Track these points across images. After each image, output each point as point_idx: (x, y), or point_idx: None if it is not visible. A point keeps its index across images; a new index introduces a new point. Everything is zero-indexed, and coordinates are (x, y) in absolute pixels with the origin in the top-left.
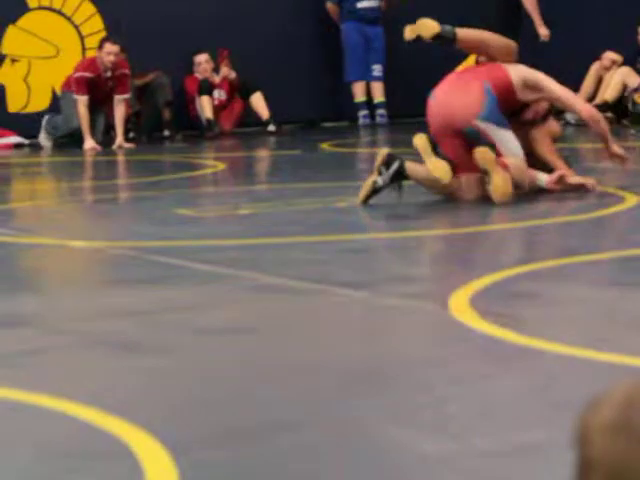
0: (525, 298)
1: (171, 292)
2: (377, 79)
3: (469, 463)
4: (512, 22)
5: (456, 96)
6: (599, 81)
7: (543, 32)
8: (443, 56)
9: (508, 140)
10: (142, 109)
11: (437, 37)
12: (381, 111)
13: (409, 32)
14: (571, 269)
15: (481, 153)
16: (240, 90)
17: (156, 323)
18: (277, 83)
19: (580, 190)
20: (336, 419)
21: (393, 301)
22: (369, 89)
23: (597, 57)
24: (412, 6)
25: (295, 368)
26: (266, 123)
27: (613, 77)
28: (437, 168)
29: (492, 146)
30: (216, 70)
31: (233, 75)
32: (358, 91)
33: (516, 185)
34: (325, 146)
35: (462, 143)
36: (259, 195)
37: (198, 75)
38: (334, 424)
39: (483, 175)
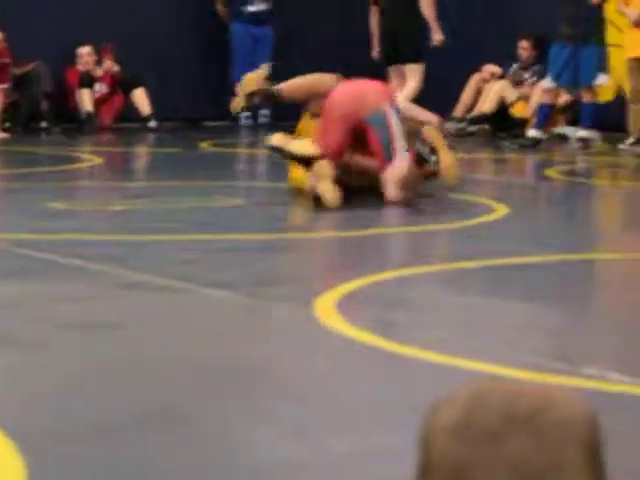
0: (390, 303)
1: (37, 286)
2: None
3: (325, 465)
4: (418, 28)
5: (369, 85)
6: (478, 93)
7: (438, 37)
8: (333, 60)
9: (402, 136)
10: (20, 99)
11: (263, 94)
12: (264, 111)
13: (236, 104)
14: (437, 276)
15: (429, 130)
16: (122, 84)
17: (19, 316)
18: (160, 79)
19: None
20: (195, 419)
21: (260, 302)
22: None
23: (477, 69)
24: (300, 6)
25: (157, 365)
26: (147, 119)
27: (491, 89)
28: (304, 146)
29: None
30: (99, 63)
31: (116, 69)
32: None
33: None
34: (205, 145)
35: (353, 134)
36: (134, 191)
37: (80, 67)
38: (193, 424)
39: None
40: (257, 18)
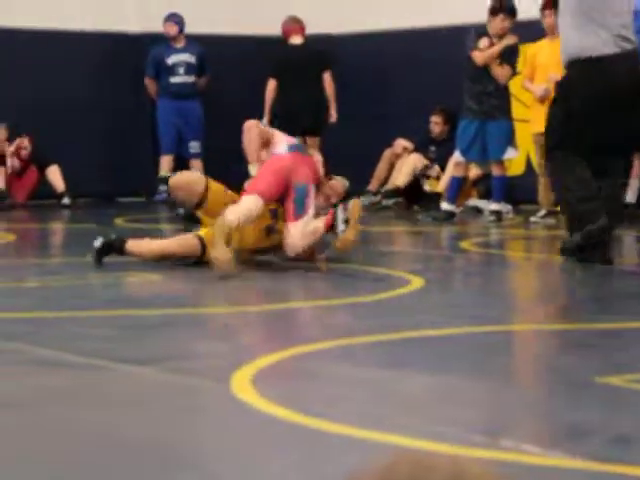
0: (307, 378)
1: None
2: (194, 156)
3: None
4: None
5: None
6: (391, 167)
7: (335, 115)
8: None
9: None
10: None
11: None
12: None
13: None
14: (353, 349)
15: (356, 204)
16: (36, 161)
17: None
18: (74, 156)
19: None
20: None
21: (174, 378)
22: (186, 166)
23: (389, 144)
24: (231, 81)
25: (68, 444)
26: (61, 196)
27: (405, 163)
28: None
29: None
30: (9, 140)
31: (28, 147)
32: (164, 165)
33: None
34: (119, 221)
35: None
36: (49, 268)
37: None
38: None
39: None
40: (181, 91)
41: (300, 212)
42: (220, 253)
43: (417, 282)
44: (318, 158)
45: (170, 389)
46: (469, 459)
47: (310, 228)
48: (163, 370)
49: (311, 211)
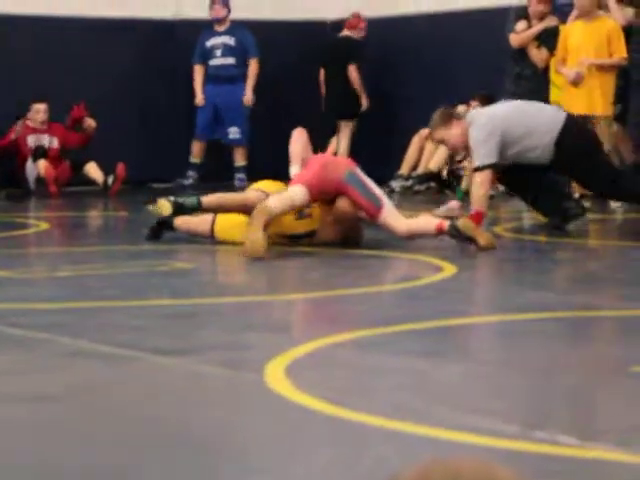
0: (340, 368)
1: None
2: (234, 143)
3: None
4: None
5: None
6: (421, 151)
7: (365, 103)
8: (306, 115)
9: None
10: None
11: (178, 210)
12: (240, 175)
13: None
14: (386, 338)
15: (464, 222)
16: (72, 163)
17: None
18: (108, 143)
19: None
20: None
21: (208, 369)
22: (229, 152)
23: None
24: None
25: (103, 437)
26: (105, 182)
27: (438, 147)
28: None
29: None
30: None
31: (94, 125)
32: (194, 150)
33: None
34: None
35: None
36: (81, 257)
37: (30, 123)
38: None
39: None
40: (221, 75)
41: (374, 201)
42: (256, 237)
43: (449, 269)
44: (343, 147)
45: (203, 381)
46: (498, 465)
47: (420, 225)
48: (196, 361)
49: (378, 190)
